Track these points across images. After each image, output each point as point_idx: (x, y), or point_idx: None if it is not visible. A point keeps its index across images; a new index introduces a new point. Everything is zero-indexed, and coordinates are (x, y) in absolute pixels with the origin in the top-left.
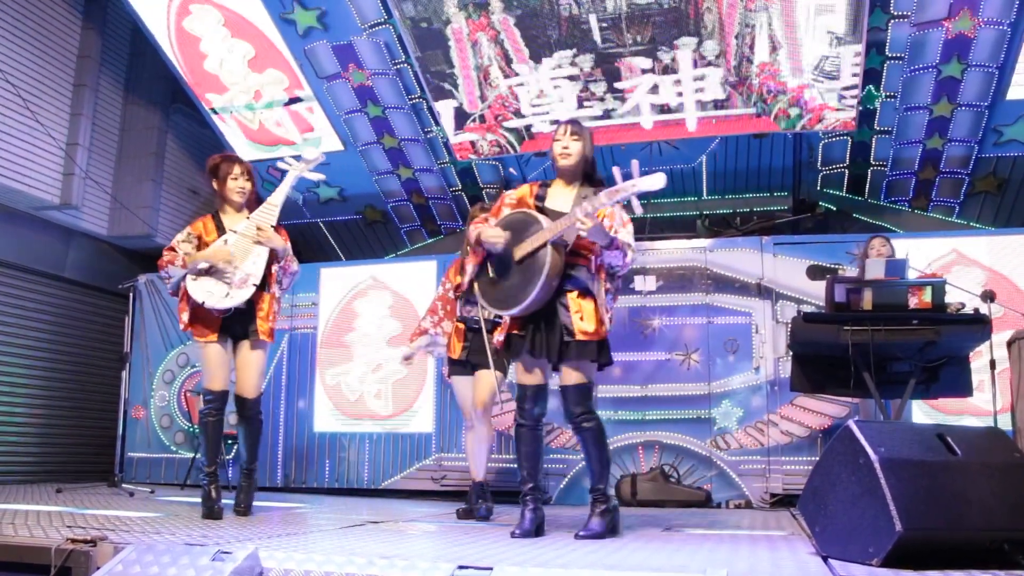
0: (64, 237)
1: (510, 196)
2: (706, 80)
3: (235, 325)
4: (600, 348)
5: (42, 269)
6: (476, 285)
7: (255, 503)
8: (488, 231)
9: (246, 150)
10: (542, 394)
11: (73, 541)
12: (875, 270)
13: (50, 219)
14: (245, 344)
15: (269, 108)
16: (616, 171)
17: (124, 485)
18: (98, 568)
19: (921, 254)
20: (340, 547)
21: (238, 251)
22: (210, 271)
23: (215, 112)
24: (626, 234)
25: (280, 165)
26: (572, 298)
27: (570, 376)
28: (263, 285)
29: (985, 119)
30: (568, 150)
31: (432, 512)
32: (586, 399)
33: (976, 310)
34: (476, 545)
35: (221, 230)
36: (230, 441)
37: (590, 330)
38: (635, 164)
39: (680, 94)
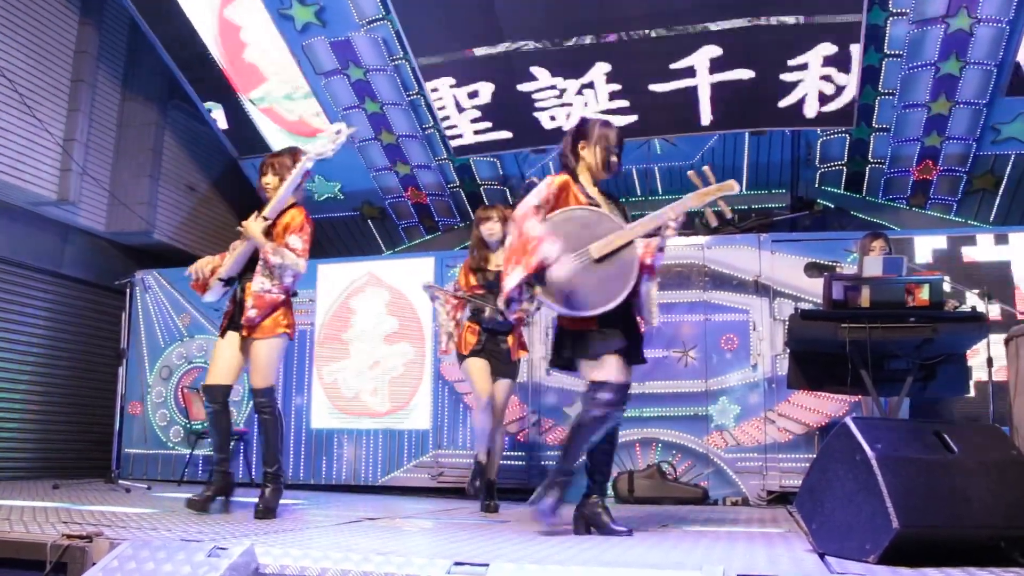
0: (61, 233)
1: (552, 186)
2: None
3: (235, 320)
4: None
5: (39, 265)
6: (538, 288)
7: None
8: (548, 249)
9: (283, 141)
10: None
11: (69, 537)
12: (873, 267)
13: (47, 215)
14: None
15: (308, 99)
16: (692, 175)
17: (121, 481)
18: (94, 564)
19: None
20: (336, 543)
21: (237, 248)
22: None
23: (253, 103)
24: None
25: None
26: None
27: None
28: (249, 277)
29: (983, 117)
30: (616, 161)
31: (429, 509)
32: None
33: (974, 308)
34: (472, 542)
35: None
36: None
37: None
38: (707, 170)
39: None
